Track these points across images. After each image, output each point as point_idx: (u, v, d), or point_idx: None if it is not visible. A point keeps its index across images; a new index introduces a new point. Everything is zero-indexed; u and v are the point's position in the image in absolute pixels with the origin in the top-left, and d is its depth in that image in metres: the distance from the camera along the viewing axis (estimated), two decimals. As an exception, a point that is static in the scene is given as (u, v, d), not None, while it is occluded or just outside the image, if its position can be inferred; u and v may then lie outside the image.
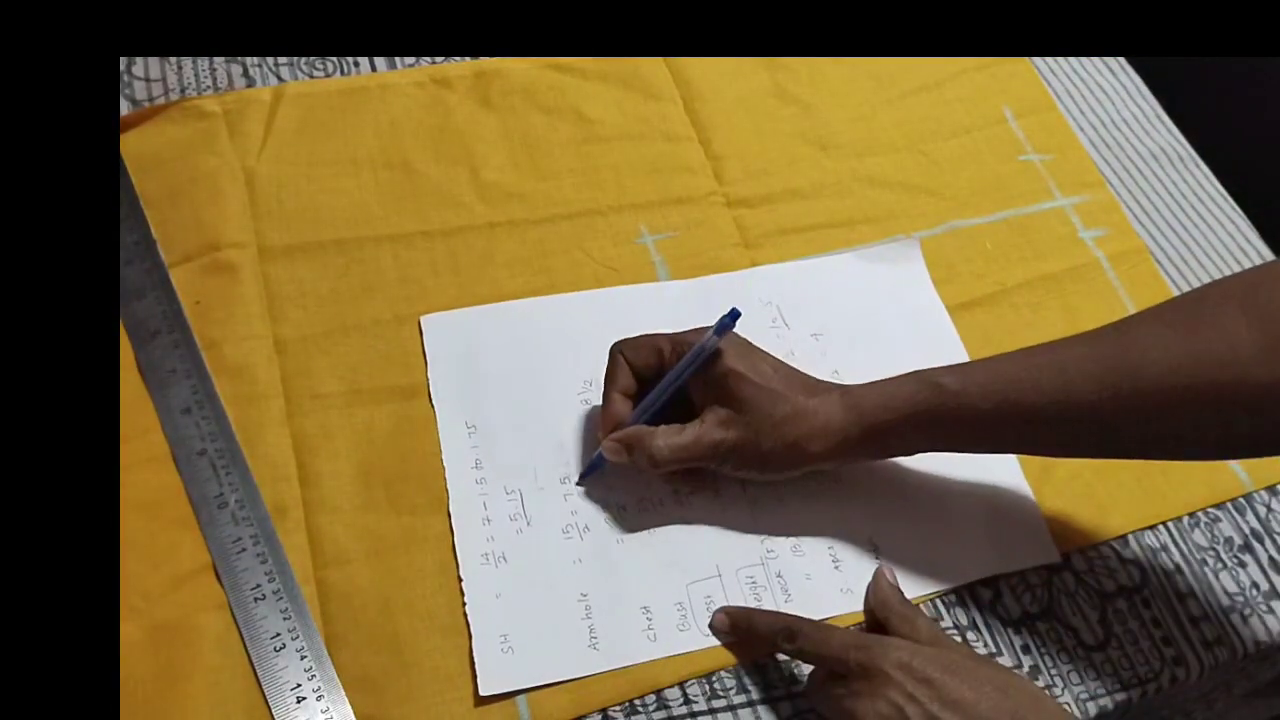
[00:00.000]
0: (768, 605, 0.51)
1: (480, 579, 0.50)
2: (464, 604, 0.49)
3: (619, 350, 0.53)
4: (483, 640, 0.49)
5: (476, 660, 0.48)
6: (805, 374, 0.52)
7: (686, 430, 0.51)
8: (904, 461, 0.55)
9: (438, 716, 0.47)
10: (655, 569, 0.52)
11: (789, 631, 0.47)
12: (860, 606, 0.51)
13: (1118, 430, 0.46)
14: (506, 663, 0.48)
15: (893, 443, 0.51)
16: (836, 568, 0.53)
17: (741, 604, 0.51)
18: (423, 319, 0.57)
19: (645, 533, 0.52)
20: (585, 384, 0.56)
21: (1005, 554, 0.54)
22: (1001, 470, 0.57)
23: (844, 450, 0.50)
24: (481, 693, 0.47)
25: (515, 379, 0.56)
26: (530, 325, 0.58)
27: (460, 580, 0.50)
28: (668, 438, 0.51)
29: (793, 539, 0.53)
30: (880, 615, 0.50)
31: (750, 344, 0.52)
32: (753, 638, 0.49)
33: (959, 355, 0.60)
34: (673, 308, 0.59)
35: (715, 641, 0.50)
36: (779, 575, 0.52)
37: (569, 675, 0.48)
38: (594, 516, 0.53)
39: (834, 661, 0.46)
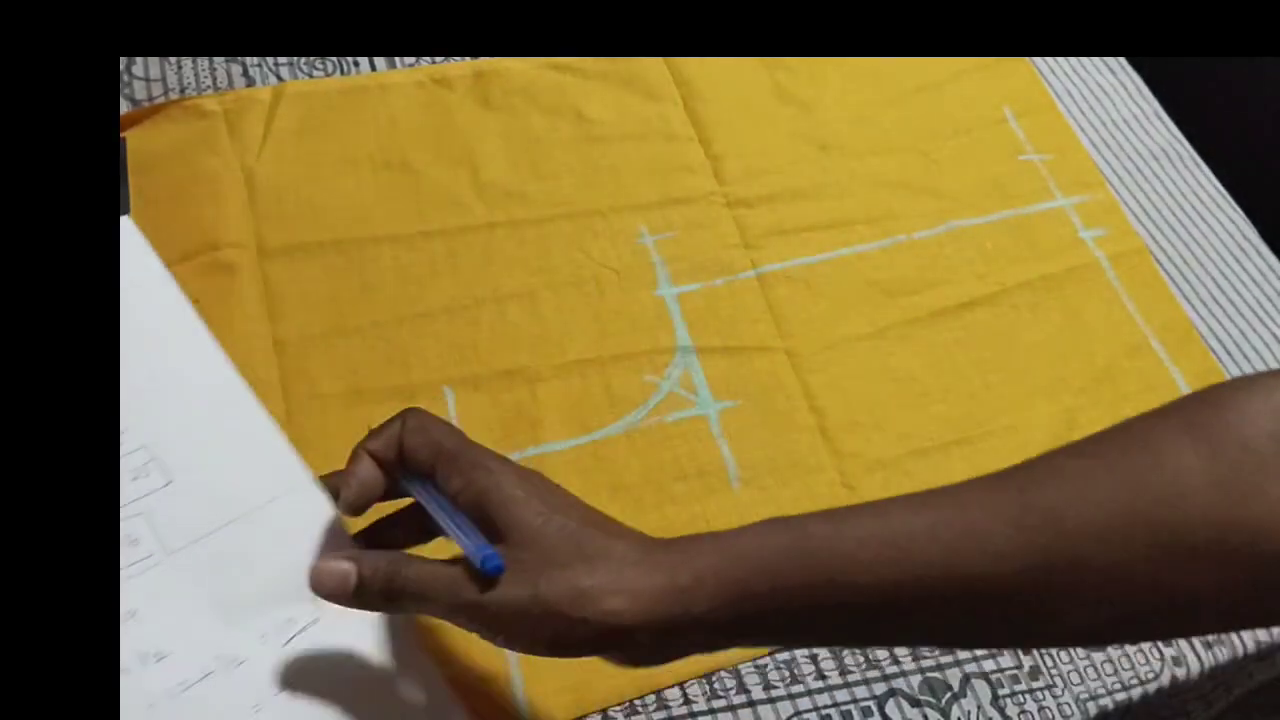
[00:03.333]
0: None
1: None
2: None
3: (403, 419, 0.41)
4: None
5: None
6: (611, 519, 0.39)
7: (447, 565, 0.37)
8: None
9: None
10: None
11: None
12: None
13: (1042, 602, 0.34)
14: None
15: (738, 618, 0.35)
16: None
17: None
18: None
19: None
20: None
21: None
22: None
23: (665, 617, 0.35)
24: None
25: None
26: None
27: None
28: (429, 567, 0.37)
29: None
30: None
31: (533, 473, 0.39)
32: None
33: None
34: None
35: None
36: None
37: None
38: None
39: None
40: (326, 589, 0.38)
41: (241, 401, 0.46)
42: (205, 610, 0.41)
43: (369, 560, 0.38)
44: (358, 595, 0.37)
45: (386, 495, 0.41)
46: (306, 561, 0.40)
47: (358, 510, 0.40)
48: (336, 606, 0.38)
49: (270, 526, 0.43)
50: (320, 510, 0.43)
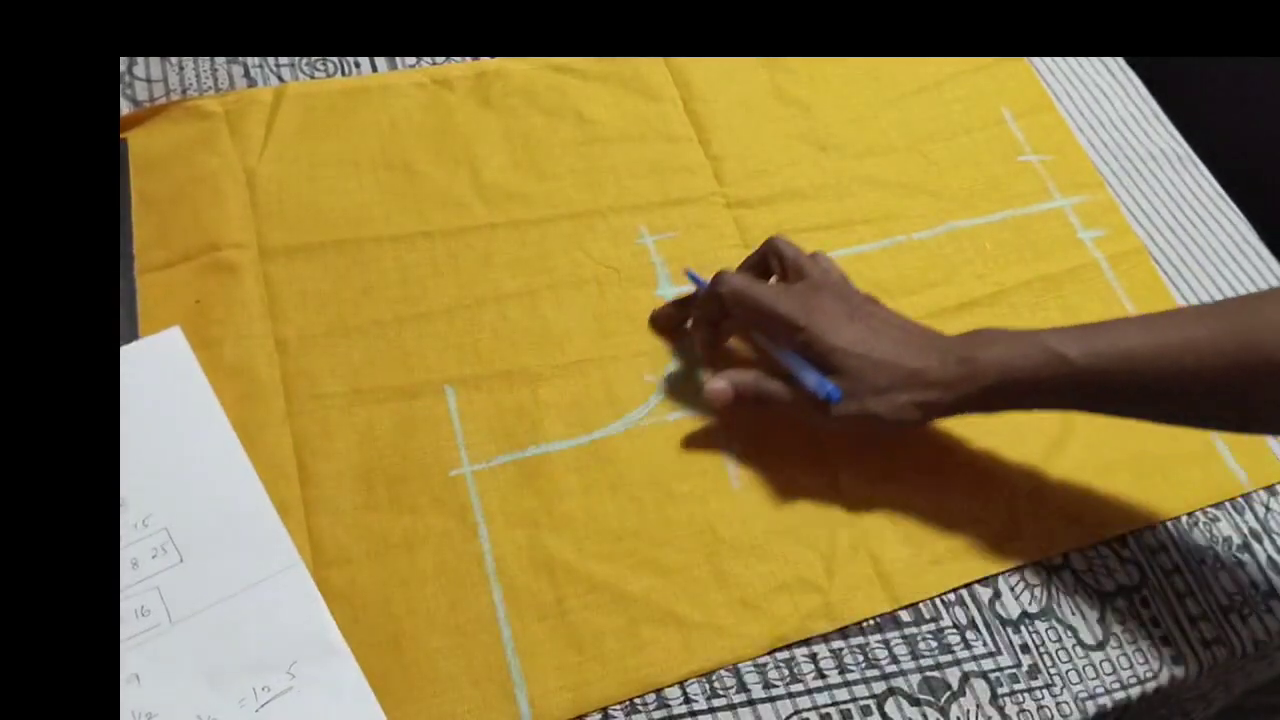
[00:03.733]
0: None
1: None
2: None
3: (719, 285, 0.55)
4: None
5: None
6: (911, 325, 0.53)
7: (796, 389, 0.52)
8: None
9: (438, 717, 0.47)
10: None
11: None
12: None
13: (1246, 402, 0.47)
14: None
15: (1012, 404, 0.51)
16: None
17: None
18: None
19: None
20: None
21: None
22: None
23: (958, 410, 0.51)
24: None
25: None
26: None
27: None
28: (782, 386, 0.53)
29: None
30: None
31: (853, 298, 0.54)
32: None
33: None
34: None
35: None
36: None
37: None
38: None
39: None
40: (719, 401, 0.54)
41: (251, 489, 0.51)
42: (195, 675, 0.46)
43: (737, 376, 0.54)
44: (738, 400, 0.54)
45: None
46: (288, 633, 0.47)
47: (662, 329, 0.59)
48: (310, 675, 0.47)
49: (260, 602, 0.48)
50: (303, 588, 0.49)
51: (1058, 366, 0.49)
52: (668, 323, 0.59)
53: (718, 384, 0.54)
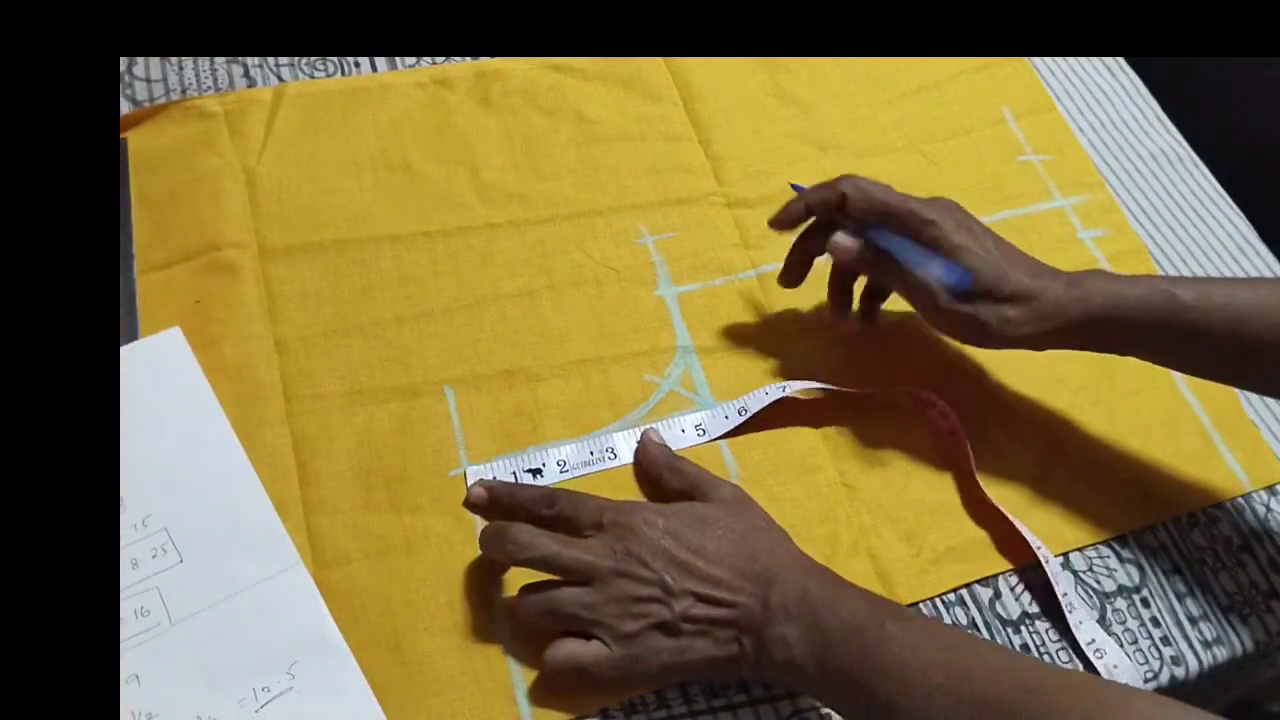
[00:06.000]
0: None
1: None
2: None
3: (842, 186, 0.54)
4: None
5: None
6: (1025, 253, 0.53)
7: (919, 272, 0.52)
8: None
9: (438, 717, 0.47)
10: None
11: (549, 498, 0.49)
12: None
13: None
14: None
15: (1111, 340, 0.52)
16: None
17: None
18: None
19: None
20: None
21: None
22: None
23: (1059, 338, 0.51)
24: None
25: None
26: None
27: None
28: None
29: None
30: (652, 474, 0.53)
31: (970, 217, 0.53)
32: (515, 507, 0.49)
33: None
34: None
35: None
36: None
37: None
38: None
39: (588, 524, 0.48)
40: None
41: (251, 489, 0.51)
42: (194, 676, 0.46)
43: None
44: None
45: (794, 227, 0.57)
46: (288, 634, 0.47)
47: (781, 225, 0.57)
48: (310, 675, 0.47)
49: (260, 602, 0.48)
50: (303, 588, 0.49)
51: (1166, 303, 0.49)
52: (793, 223, 0.57)
53: (845, 239, 0.54)
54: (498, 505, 0.50)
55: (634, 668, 0.46)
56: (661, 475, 0.53)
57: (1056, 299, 0.51)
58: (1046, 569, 0.53)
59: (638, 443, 0.55)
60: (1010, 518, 0.54)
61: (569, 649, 0.46)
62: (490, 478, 0.53)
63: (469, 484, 0.52)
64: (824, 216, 0.55)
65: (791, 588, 0.45)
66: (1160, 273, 0.66)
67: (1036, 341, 0.52)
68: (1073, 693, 0.40)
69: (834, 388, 0.57)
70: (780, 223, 0.56)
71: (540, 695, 0.48)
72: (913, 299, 0.53)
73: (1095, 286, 0.51)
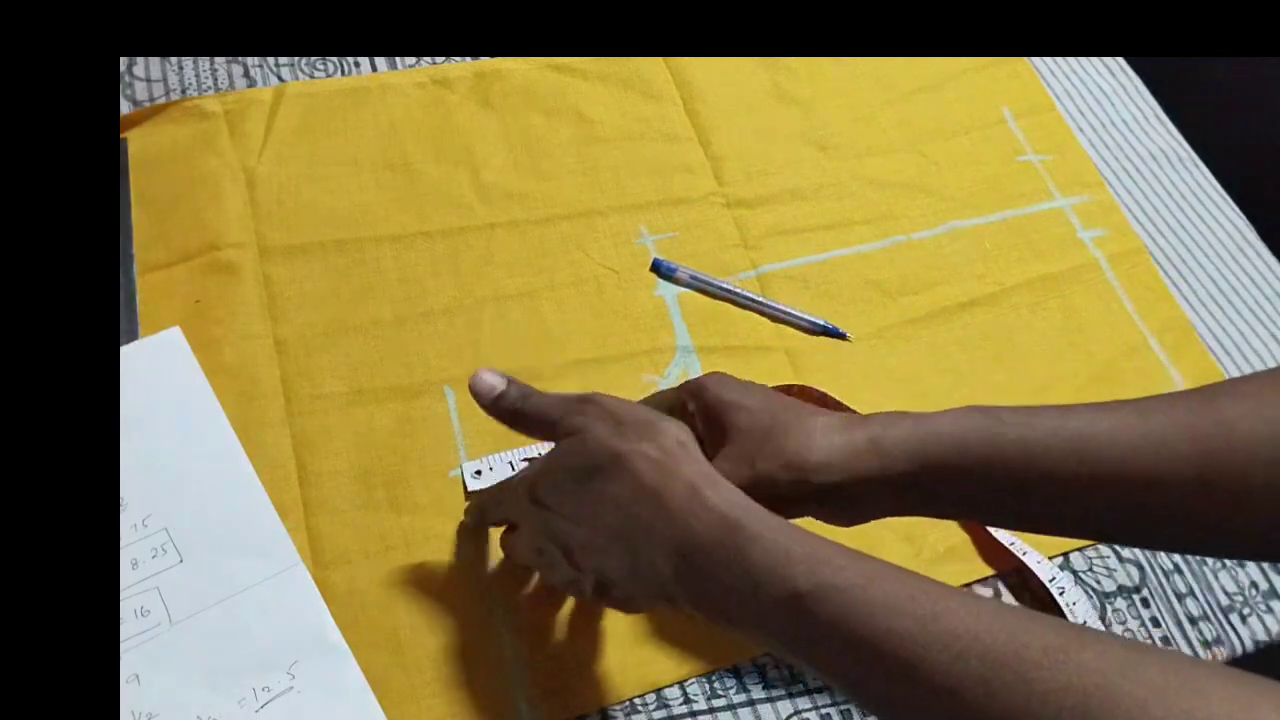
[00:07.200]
0: None
1: None
2: None
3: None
4: None
5: None
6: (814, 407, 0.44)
7: None
8: None
9: (438, 717, 0.47)
10: None
11: (480, 511, 0.50)
12: None
13: (1207, 509, 0.38)
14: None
15: (923, 483, 0.41)
16: None
17: None
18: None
19: None
20: None
21: None
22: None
23: (871, 483, 0.41)
24: None
25: None
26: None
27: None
28: None
29: None
30: (499, 420, 0.46)
31: (734, 378, 0.46)
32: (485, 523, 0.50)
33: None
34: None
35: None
36: None
37: None
38: None
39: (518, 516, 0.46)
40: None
41: (251, 490, 0.51)
42: (195, 675, 0.46)
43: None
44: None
45: None
46: (288, 633, 0.47)
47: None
48: (310, 675, 0.46)
49: (260, 602, 0.48)
50: (303, 588, 0.49)
51: (988, 426, 0.40)
52: None
53: (491, 379, 0.46)
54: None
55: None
56: (509, 423, 0.46)
57: (848, 441, 0.41)
58: (1060, 601, 0.52)
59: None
60: (1022, 557, 0.54)
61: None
62: (488, 469, 0.53)
63: (465, 480, 0.53)
64: None
65: (664, 566, 0.39)
66: (1160, 272, 0.66)
67: (851, 496, 0.41)
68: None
69: (835, 398, 0.57)
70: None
71: (540, 695, 0.48)
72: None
73: (888, 419, 0.41)
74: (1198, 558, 0.56)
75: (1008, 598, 0.54)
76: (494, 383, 0.46)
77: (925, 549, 0.54)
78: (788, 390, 0.56)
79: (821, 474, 0.41)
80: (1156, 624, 0.54)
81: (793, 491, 0.41)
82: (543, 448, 0.54)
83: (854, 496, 0.41)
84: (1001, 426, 0.40)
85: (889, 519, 0.45)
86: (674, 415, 0.43)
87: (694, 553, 0.37)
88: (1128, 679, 0.30)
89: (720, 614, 0.38)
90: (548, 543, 0.43)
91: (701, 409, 0.45)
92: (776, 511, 0.38)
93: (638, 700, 0.49)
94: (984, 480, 0.40)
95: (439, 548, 0.51)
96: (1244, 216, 0.70)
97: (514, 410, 0.46)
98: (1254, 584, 0.56)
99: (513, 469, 0.54)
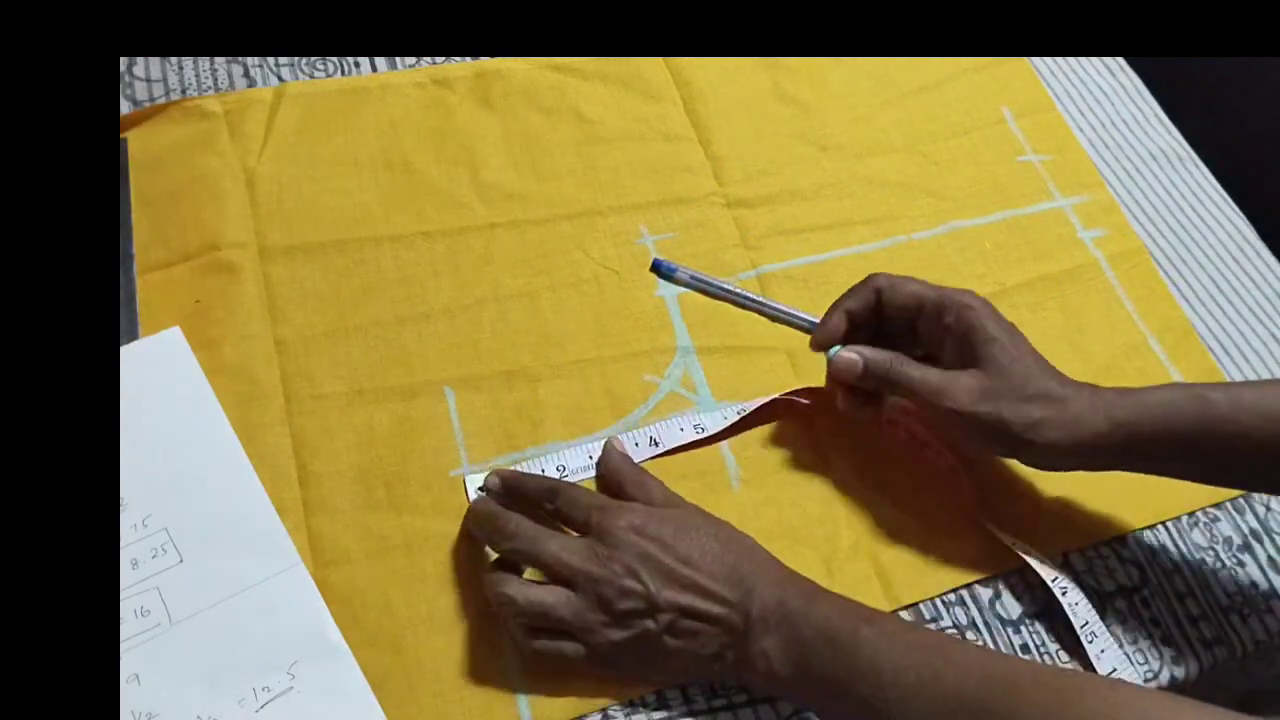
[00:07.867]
0: None
1: None
2: None
3: (875, 283, 0.53)
4: None
5: None
6: (1055, 367, 0.51)
7: (939, 373, 0.50)
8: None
9: (438, 717, 0.47)
10: None
11: (551, 492, 0.49)
12: None
13: None
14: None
15: (1143, 452, 0.49)
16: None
17: None
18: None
19: None
20: None
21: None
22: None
23: (1087, 454, 0.49)
24: None
25: None
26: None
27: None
28: (922, 370, 0.50)
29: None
30: (614, 482, 0.52)
31: (1005, 318, 0.51)
32: (520, 497, 0.50)
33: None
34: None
35: None
36: None
37: None
38: None
39: (579, 522, 0.48)
40: (846, 374, 0.52)
41: (251, 489, 0.51)
42: (195, 675, 0.46)
43: (871, 353, 0.52)
44: (863, 377, 0.52)
45: (845, 341, 0.54)
46: (288, 633, 0.47)
47: (821, 347, 0.54)
48: (310, 675, 0.47)
49: (260, 602, 0.48)
50: (303, 588, 0.49)
51: (1198, 409, 0.47)
52: (833, 341, 0.54)
53: (848, 355, 0.52)
54: (509, 489, 0.50)
55: (615, 671, 0.47)
56: (624, 487, 0.51)
57: (1081, 408, 0.48)
58: (1062, 601, 0.52)
59: (602, 452, 0.54)
60: (1025, 556, 0.54)
61: (556, 642, 0.47)
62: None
63: (468, 490, 0.53)
64: (864, 323, 0.54)
65: (770, 598, 0.46)
66: (1161, 272, 0.66)
67: (1062, 453, 0.49)
68: (1041, 684, 0.40)
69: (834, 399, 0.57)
70: (820, 344, 0.54)
71: (540, 695, 0.48)
72: (927, 405, 0.50)
73: (1117, 398, 0.49)
74: (1198, 559, 0.56)
75: (1009, 598, 0.54)
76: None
77: (925, 550, 0.54)
78: (793, 395, 0.56)
79: (1054, 446, 0.48)
80: (1156, 624, 0.54)
81: (1012, 439, 0.48)
82: (554, 466, 0.54)
83: (1065, 452, 0.48)
84: (1209, 409, 0.47)
85: (899, 520, 0.54)
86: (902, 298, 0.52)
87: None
88: None
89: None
90: (627, 577, 0.46)
91: (962, 325, 0.50)
92: (985, 446, 0.50)
93: (638, 700, 0.49)
94: (1188, 452, 0.48)
95: (439, 548, 0.51)
96: (1244, 216, 0.70)
97: None
98: (1254, 584, 0.56)
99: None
